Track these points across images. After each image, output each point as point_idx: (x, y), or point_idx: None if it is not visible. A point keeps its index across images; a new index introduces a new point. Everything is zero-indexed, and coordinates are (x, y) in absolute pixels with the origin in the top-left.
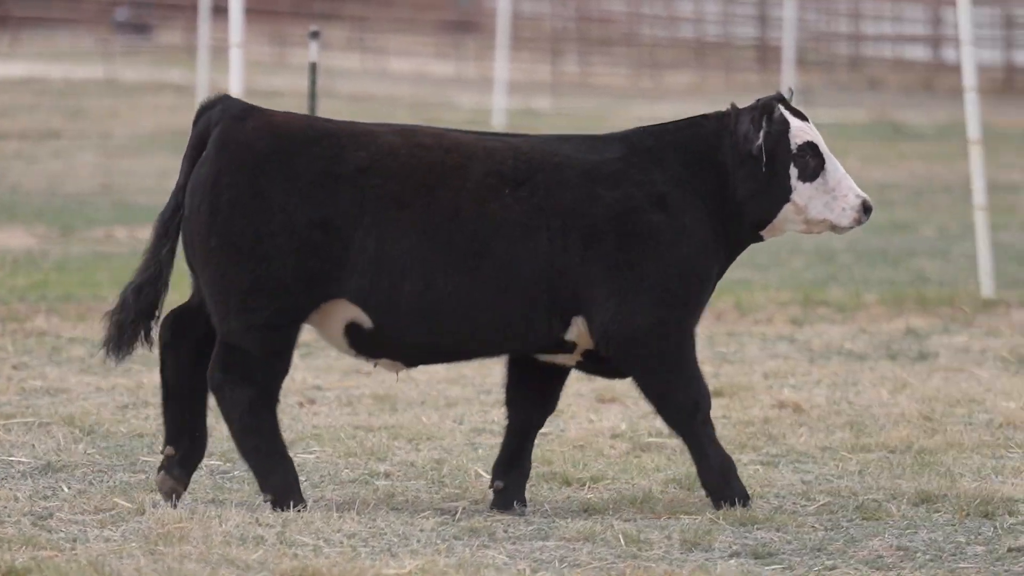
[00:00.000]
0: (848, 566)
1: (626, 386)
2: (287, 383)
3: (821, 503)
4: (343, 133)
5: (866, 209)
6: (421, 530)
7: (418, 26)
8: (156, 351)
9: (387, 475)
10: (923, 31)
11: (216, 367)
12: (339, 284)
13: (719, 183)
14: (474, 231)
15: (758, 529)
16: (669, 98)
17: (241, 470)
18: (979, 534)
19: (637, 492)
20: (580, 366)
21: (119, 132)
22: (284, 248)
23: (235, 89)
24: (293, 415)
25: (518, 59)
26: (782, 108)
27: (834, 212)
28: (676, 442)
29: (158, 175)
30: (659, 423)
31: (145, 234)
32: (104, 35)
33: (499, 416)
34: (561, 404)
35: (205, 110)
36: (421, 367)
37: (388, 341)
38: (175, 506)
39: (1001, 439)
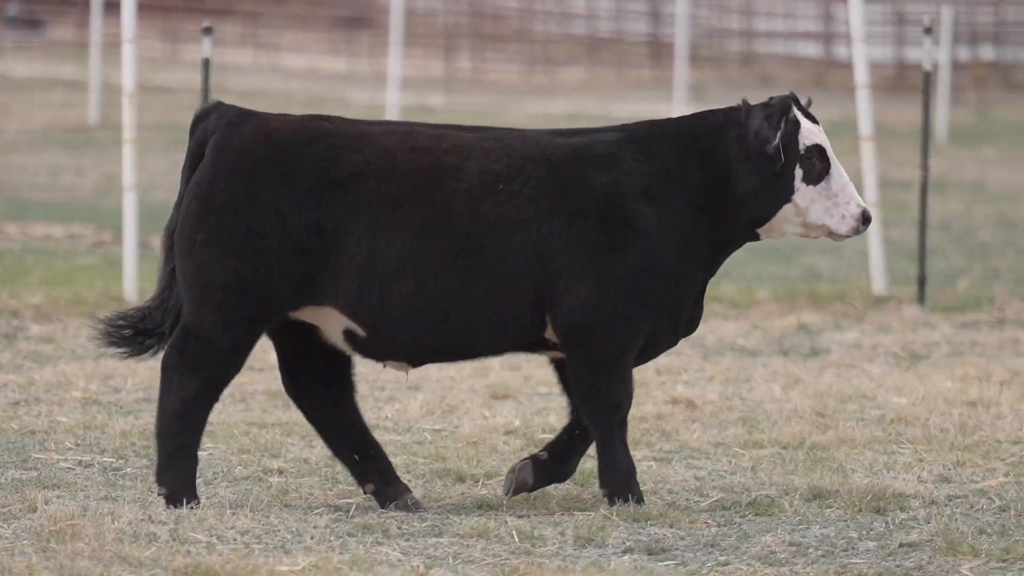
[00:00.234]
0: (741, 562)
1: (519, 382)
2: None
3: (714, 499)
4: (339, 135)
5: (865, 219)
6: (315, 527)
7: (311, 22)
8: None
9: (280, 472)
10: (815, 28)
11: (174, 350)
12: (325, 289)
13: (714, 177)
14: (467, 231)
15: (651, 525)
16: (562, 94)
17: (134, 467)
18: (871, 529)
19: None
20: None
21: (10, 128)
22: (274, 250)
23: (127, 85)
24: None
25: (411, 55)
26: (795, 109)
27: (833, 218)
28: None
29: (50, 171)
30: (553, 419)
31: (37, 231)
32: None
33: (392, 412)
34: (454, 400)
35: (201, 119)
36: (429, 365)
37: (385, 344)
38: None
39: (892, 435)
